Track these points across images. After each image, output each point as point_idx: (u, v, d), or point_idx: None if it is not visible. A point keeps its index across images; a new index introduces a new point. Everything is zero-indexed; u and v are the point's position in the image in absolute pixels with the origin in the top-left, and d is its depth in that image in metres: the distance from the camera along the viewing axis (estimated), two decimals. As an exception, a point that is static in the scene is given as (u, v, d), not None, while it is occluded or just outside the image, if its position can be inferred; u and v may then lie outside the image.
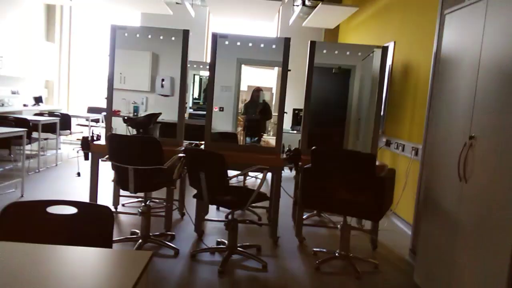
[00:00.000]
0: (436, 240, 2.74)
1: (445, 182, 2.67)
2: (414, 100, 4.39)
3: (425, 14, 4.29)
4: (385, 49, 4.03)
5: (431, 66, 3.46)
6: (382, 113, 4.34)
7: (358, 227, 4.14)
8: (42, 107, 7.42)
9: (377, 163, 3.57)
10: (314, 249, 3.61)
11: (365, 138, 4.26)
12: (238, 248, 3.35)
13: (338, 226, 3.37)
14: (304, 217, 4.06)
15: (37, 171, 5.87)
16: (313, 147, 3.21)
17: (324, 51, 4.11)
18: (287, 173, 4.31)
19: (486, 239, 2.18)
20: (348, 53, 4.25)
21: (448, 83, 2.75)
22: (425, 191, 3.02)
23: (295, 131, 6.57)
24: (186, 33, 3.92)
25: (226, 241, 3.40)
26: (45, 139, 6.42)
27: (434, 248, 2.77)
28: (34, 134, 5.70)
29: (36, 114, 6.57)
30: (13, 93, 7.15)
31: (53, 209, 1.56)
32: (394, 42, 5.05)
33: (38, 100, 7.51)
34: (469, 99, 2.43)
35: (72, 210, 1.57)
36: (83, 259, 1.31)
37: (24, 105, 7.07)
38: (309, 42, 3.96)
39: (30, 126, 5.34)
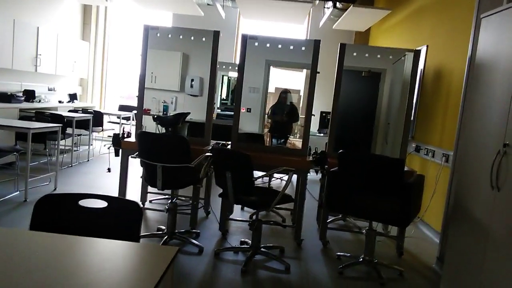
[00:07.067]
0: (465, 249, 2.66)
1: (476, 190, 2.59)
2: (446, 106, 4.28)
3: (459, 18, 4.18)
4: (417, 53, 3.95)
5: (465, 71, 3.37)
6: (412, 118, 4.25)
7: (384, 233, 4.08)
8: (76, 104, 7.68)
9: (405, 168, 3.51)
10: (338, 253, 3.58)
11: (393, 143, 4.19)
12: (262, 249, 3.36)
13: (364, 231, 3.33)
14: (328, 220, 4.02)
15: (70, 165, 6.09)
16: (340, 151, 3.18)
17: (354, 54, 4.07)
18: (313, 175, 4.28)
19: (518, 250, 2.10)
20: (378, 56, 4.19)
21: (482, 89, 2.67)
22: (455, 198, 2.94)
23: (322, 134, 6.53)
24: (216, 34, 3.97)
25: (249, 241, 3.42)
26: (79, 135, 6.65)
27: (462, 257, 2.69)
28: (68, 130, 5.92)
29: (70, 111, 6.82)
30: (50, 90, 7.45)
31: (84, 202, 1.62)
32: (427, 46, 4.94)
33: (72, 97, 7.78)
34: (505, 106, 2.35)
35: (103, 204, 1.62)
36: (112, 251, 1.36)
37: (60, 102, 7.34)
38: (339, 44, 3.93)
39: (65, 122, 5.54)
